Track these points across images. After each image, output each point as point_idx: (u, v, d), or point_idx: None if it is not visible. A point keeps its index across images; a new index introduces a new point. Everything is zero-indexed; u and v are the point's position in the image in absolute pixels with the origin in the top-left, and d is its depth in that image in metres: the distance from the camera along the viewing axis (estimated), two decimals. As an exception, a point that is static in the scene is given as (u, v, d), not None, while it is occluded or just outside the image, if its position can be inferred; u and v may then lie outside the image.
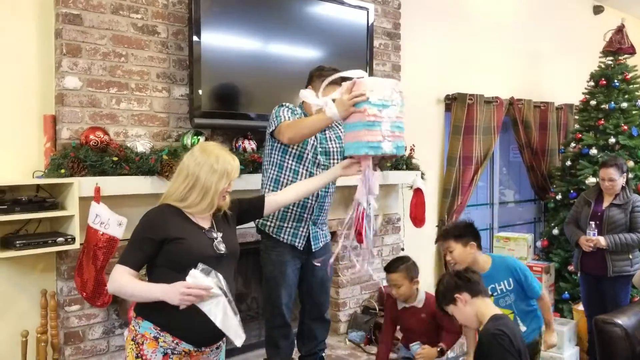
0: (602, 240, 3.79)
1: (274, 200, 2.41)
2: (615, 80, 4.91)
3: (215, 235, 2.11)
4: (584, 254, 3.97)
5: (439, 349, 3.00)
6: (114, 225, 2.70)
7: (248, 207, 2.36)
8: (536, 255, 5.05)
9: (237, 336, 1.98)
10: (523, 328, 2.78)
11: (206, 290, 1.91)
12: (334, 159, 2.92)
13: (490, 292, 2.80)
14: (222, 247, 2.09)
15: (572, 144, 5.07)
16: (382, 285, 3.97)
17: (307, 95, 2.64)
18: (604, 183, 3.93)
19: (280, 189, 2.80)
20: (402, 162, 4.18)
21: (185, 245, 2.00)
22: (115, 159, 2.76)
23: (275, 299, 2.92)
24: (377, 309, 4.04)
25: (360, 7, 3.88)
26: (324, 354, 3.19)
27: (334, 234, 3.82)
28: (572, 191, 4.86)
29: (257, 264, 3.05)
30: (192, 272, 1.90)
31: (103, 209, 2.66)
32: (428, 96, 4.77)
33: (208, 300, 1.92)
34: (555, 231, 4.88)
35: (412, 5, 4.52)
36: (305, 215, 2.91)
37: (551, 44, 5.94)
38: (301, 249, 2.93)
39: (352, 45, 3.85)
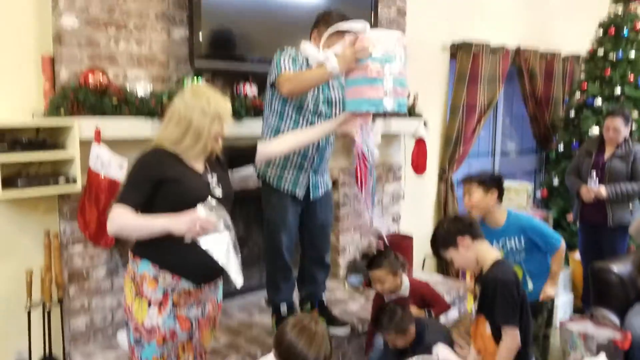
0: (603, 191, 3.80)
1: (266, 151, 2.42)
2: (625, 30, 4.81)
3: (210, 178, 2.12)
4: (584, 205, 3.99)
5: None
6: (115, 167, 2.70)
7: (239, 154, 2.37)
8: (535, 205, 5.08)
9: (238, 275, 2.01)
10: (530, 286, 2.76)
11: (213, 223, 1.93)
12: (336, 109, 2.89)
13: (500, 248, 2.80)
14: (218, 190, 2.10)
15: (577, 94, 5.02)
16: (381, 234, 4.01)
17: (308, 49, 2.60)
18: (608, 133, 3.91)
19: None
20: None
21: (182, 187, 2.01)
22: (115, 101, 2.73)
23: (276, 242, 2.95)
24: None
25: (366, -51, 3.76)
26: (323, 297, 3.26)
27: (335, 183, 3.84)
28: (574, 141, 4.85)
29: (258, 209, 3.07)
30: (199, 206, 1.91)
31: (104, 150, 2.66)
32: (433, 43, 4.68)
33: (213, 236, 1.93)
34: (556, 181, 4.89)
35: (419, -52, 4.38)
36: (306, 165, 2.90)
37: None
38: (301, 199, 2.95)
39: (357, -11, 3.75)
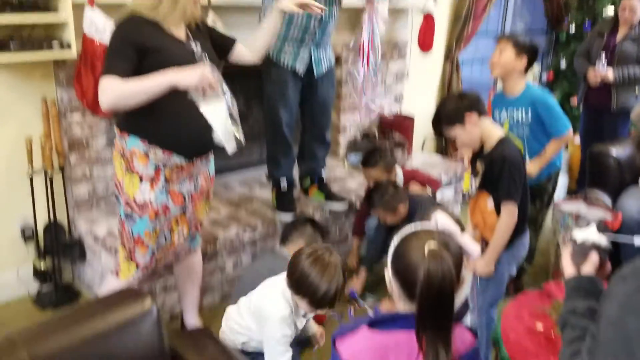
0: (610, 75, 3.72)
1: (242, 52, 2.26)
2: None
3: (194, 46, 2.02)
4: (589, 88, 3.92)
5: None
6: (110, 33, 2.60)
7: (218, 40, 2.21)
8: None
9: (231, 141, 1.97)
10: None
11: (218, 81, 1.87)
12: None
13: (506, 117, 2.79)
14: (204, 59, 2.01)
15: (595, -28, 4.75)
16: (383, 114, 3.97)
17: None
18: (624, 13, 3.75)
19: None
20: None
21: (166, 56, 1.90)
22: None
23: (276, 118, 2.92)
24: (377, 136, 4.09)
25: None
26: (323, 173, 3.29)
27: (338, 59, 3.72)
28: (587, 22, 4.66)
29: (258, 84, 3.00)
30: (204, 62, 1.86)
31: (98, 14, 2.54)
32: None
33: (213, 100, 1.89)
34: (563, 64, 4.77)
35: None
36: (307, 39, 2.80)
37: None
38: (302, 75, 2.88)
39: None
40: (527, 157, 2.77)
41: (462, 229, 2.27)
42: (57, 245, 2.87)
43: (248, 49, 2.29)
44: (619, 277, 0.99)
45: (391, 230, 2.97)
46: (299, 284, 1.96)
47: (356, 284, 3.05)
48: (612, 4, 4.42)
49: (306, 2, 2.25)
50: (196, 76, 1.84)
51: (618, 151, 3.40)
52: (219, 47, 2.20)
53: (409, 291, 1.20)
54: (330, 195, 3.23)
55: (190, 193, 2.15)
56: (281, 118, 2.92)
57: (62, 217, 2.92)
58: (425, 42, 4.13)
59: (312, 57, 2.88)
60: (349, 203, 3.26)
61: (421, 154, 4.38)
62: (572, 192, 4.46)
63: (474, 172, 2.23)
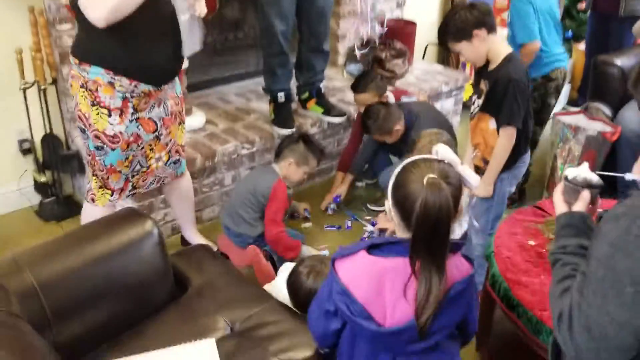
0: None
1: None
2: None
3: None
4: (598, -8, 3.77)
5: None
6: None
7: None
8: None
9: (193, 45, 1.95)
10: None
11: None
12: None
13: None
14: None
15: None
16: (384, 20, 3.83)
17: None
18: None
19: None
20: None
21: None
22: None
23: (271, 27, 2.83)
24: (377, 44, 3.96)
25: None
26: (321, 85, 3.23)
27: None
28: None
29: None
30: None
31: None
32: None
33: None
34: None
35: None
36: None
37: None
38: None
39: None
40: None
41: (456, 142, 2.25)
42: (56, 158, 2.88)
43: None
44: (611, 216, 0.99)
45: (391, 147, 2.97)
46: (307, 300, 1.81)
47: (341, 189, 3.09)
48: None
49: None
50: None
51: (623, 61, 3.33)
52: None
53: (407, 220, 1.22)
54: (329, 110, 3.19)
55: (161, 117, 2.11)
56: (276, 27, 2.82)
57: (58, 131, 2.91)
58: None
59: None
60: (347, 116, 3.23)
61: (422, 63, 4.27)
62: (573, 102, 4.41)
63: (477, 91, 2.18)
